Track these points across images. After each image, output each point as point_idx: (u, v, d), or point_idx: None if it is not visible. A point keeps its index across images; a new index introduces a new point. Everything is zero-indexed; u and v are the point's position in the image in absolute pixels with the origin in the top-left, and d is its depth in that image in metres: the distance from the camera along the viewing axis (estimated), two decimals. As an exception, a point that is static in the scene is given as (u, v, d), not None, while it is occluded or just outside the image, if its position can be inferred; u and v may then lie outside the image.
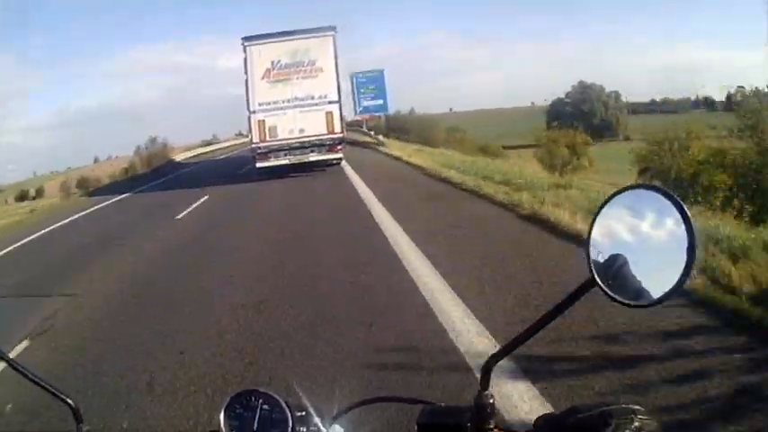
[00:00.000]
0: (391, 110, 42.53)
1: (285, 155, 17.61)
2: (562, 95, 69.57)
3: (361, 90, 38.07)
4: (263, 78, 17.40)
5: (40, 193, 43.16)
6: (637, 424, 0.76)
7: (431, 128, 48.92)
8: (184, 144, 55.61)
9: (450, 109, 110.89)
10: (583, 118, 63.44)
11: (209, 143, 57.52)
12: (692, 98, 74.75)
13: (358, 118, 40.28)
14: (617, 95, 68.88)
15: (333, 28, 17.79)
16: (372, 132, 36.86)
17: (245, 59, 17.41)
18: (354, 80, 37.58)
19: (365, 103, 38.55)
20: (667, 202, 0.77)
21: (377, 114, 40.54)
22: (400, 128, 45.81)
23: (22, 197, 46.44)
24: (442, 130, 51.89)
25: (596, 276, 0.79)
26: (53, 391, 1.00)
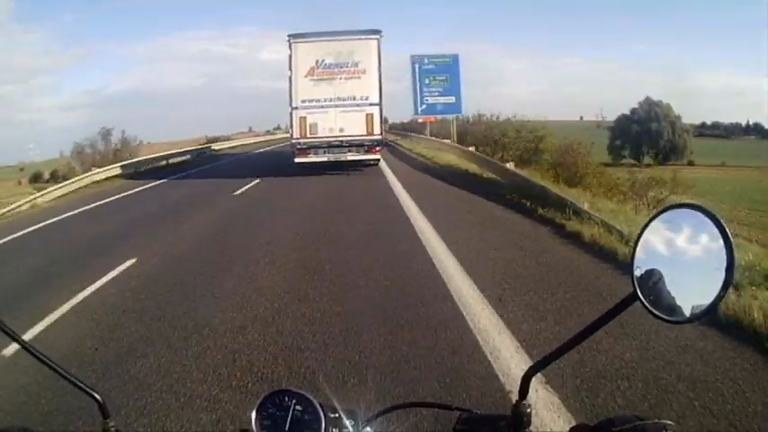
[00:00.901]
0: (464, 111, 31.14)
1: (324, 152, 17.90)
2: (627, 112, 64.80)
3: (426, 81, 28.95)
4: (306, 76, 17.69)
5: (54, 175, 38.84)
6: None
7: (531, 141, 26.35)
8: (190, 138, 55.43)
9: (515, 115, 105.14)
10: (649, 138, 59.72)
11: (213, 140, 48.62)
12: (743, 123, 71.18)
13: (419, 119, 31.03)
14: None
15: (378, 31, 17.97)
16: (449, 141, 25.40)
17: (290, 56, 17.69)
18: (417, 67, 28.98)
19: (431, 100, 29.01)
20: (709, 222, 0.78)
21: (447, 116, 29.74)
22: (481, 137, 26.39)
23: (36, 178, 45.13)
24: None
25: (638, 291, 0.81)
26: (78, 383, 0.96)
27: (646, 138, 60.31)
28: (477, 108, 39.09)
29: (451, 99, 28.81)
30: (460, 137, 28.04)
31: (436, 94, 28.76)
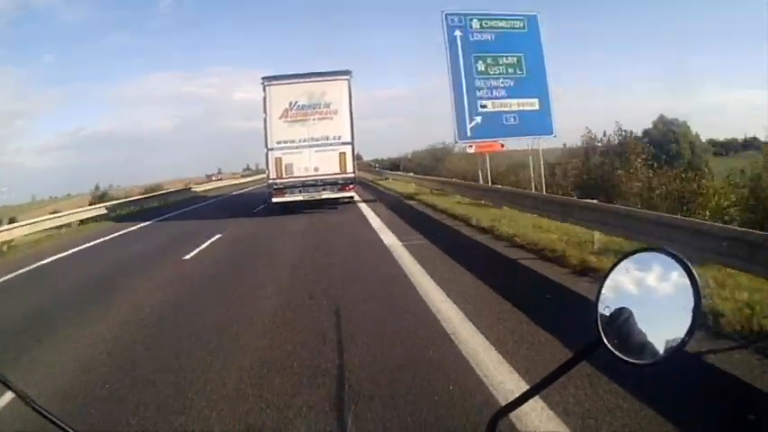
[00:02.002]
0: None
1: (300, 191, 18.19)
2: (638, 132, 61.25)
3: (479, 67, 16.21)
4: (281, 117, 18.05)
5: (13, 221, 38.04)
6: None
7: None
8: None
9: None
10: (668, 160, 54.31)
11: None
12: (740, 138, 67.75)
13: (468, 147, 17.34)
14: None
15: (348, 72, 18.43)
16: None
17: (265, 98, 18.08)
18: (458, 38, 16.26)
19: (489, 107, 16.16)
20: (676, 265, 0.81)
21: (525, 138, 16.66)
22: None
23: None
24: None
25: (603, 335, 0.82)
26: (62, 425, 0.96)
27: (664, 160, 57.22)
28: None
29: (532, 103, 16.00)
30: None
31: (500, 92, 16.16)
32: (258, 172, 63.24)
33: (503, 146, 17.19)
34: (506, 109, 16.40)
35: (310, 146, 18.04)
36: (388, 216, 16.01)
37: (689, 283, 0.77)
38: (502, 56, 16.37)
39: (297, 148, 18.07)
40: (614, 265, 0.85)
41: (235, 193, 39.39)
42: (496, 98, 16.43)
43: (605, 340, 0.80)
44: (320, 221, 16.45)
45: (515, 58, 16.32)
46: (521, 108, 16.30)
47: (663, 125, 56.12)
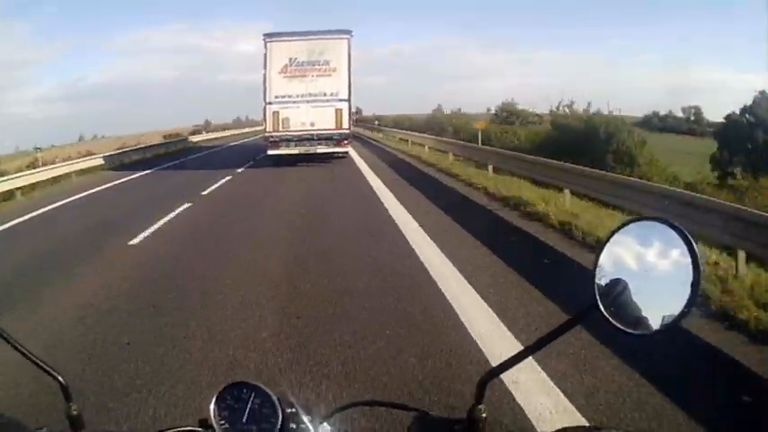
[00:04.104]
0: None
1: (295, 145, 18.51)
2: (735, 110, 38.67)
3: None
4: (280, 73, 18.20)
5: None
6: None
7: None
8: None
9: (488, 109, 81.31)
10: None
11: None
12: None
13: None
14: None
15: (348, 32, 18.55)
16: None
17: (265, 54, 18.19)
18: None
19: None
20: (676, 236, 0.78)
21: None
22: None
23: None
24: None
25: (599, 301, 0.79)
26: (43, 366, 0.95)
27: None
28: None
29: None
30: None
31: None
32: (248, 124, 60.32)
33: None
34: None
35: (308, 101, 18.25)
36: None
37: (688, 255, 0.76)
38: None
39: (294, 102, 18.28)
40: (612, 233, 0.83)
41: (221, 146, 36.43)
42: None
43: (601, 307, 0.79)
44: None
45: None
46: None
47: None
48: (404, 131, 32.96)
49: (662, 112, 67.07)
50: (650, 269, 0.80)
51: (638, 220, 0.84)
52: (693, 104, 68.78)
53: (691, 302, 0.75)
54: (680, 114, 67.76)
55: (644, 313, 0.78)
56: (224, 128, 61.34)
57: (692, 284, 0.75)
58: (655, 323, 0.77)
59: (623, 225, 0.83)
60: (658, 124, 62.55)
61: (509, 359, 0.87)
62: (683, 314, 0.75)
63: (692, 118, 65.84)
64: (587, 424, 2.86)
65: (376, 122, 50.02)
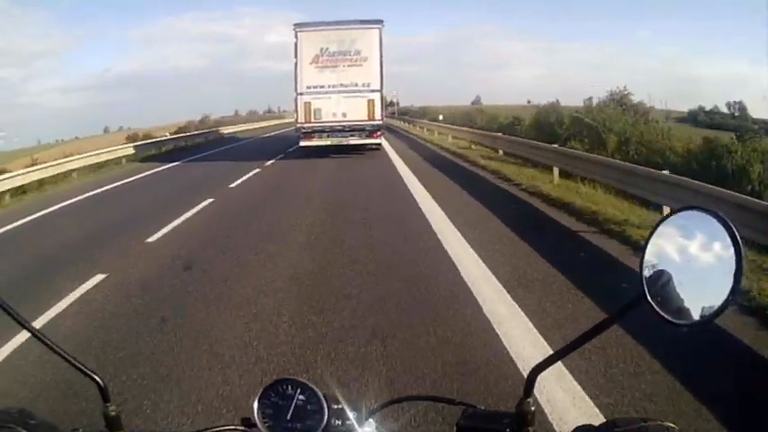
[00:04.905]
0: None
1: (328, 136, 18.46)
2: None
3: None
4: (311, 63, 18.14)
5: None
6: None
7: None
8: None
9: (529, 101, 76.93)
10: None
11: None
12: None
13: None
14: None
15: (380, 21, 18.37)
16: None
17: (296, 44, 18.13)
18: None
19: None
20: (720, 226, 0.77)
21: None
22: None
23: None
24: None
25: (647, 292, 0.80)
26: (80, 367, 0.93)
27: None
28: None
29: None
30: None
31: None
32: (279, 116, 59.31)
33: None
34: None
35: (339, 92, 18.14)
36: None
37: (731, 245, 0.75)
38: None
39: (326, 93, 18.18)
40: (657, 225, 0.83)
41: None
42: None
43: (649, 297, 0.79)
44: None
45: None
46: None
47: None
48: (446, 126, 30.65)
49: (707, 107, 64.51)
50: (693, 260, 0.80)
51: (682, 210, 0.83)
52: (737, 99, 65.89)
53: (734, 291, 0.73)
54: (725, 110, 64.66)
55: (687, 304, 0.78)
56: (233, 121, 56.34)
57: (735, 274, 0.74)
58: (696, 313, 0.77)
59: (667, 217, 0.84)
60: (705, 120, 60.10)
61: (553, 354, 0.87)
62: (725, 304, 0.74)
63: (737, 114, 62.74)
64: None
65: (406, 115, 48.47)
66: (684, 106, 68.48)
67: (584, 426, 0.89)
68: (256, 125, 51.77)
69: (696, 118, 59.72)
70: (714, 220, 0.78)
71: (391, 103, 55.65)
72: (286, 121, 39.86)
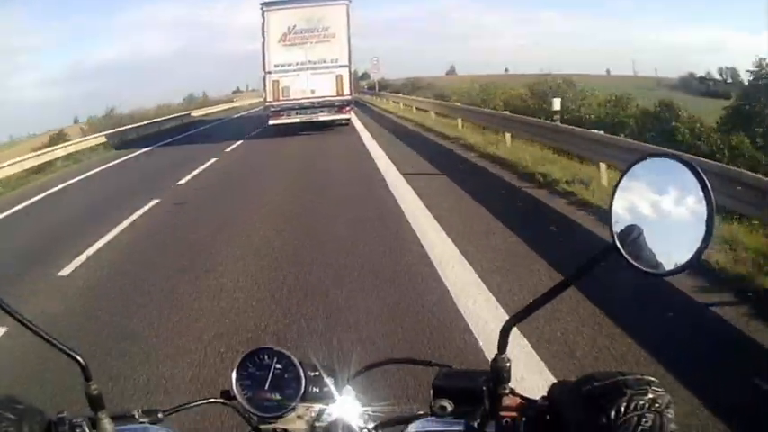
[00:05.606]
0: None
1: (297, 113, 18.41)
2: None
3: None
4: (279, 42, 18.03)
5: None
6: (651, 396, 0.76)
7: None
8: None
9: (506, 70, 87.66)
10: None
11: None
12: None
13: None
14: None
15: None
16: None
17: (263, 24, 18.01)
18: None
19: None
20: (688, 173, 0.76)
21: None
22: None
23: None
24: None
25: (617, 242, 0.78)
26: (61, 346, 0.93)
27: None
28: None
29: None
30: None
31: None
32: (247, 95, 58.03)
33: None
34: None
35: (307, 68, 18.10)
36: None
37: (701, 191, 0.75)
38: None
39: (294, 71, 18.14)
40: (623, 174, 0.82)
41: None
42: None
43: (620, 247, 0.78)
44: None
45: None
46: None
47: None
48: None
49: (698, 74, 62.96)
50: (662, 207, 0.80)
51: (646, 158, 0.82)
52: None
53: (706, 239, 0.73)
54: (717, 77, 61.21)
55: (658, 257, 0.78)
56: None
57: (707, 220, 0.74)
58: (670, 262, 0.77)
59: (632, 164, 0.82)
60: (699, 87, 58.96)
61: (526, 308, 0.85)
62: (699, 251, 0.74)
63: (730, 80, 61.20)
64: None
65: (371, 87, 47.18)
66: (674, 73, 67.72)
67: (561, 381, 0.88)
68: (224, 106, 50.94)
69: (689, 85, 58.32)
70: (681, 166, 0.77)
71: (364, 76, 54.60)
72: (255, 101, 38.92)
